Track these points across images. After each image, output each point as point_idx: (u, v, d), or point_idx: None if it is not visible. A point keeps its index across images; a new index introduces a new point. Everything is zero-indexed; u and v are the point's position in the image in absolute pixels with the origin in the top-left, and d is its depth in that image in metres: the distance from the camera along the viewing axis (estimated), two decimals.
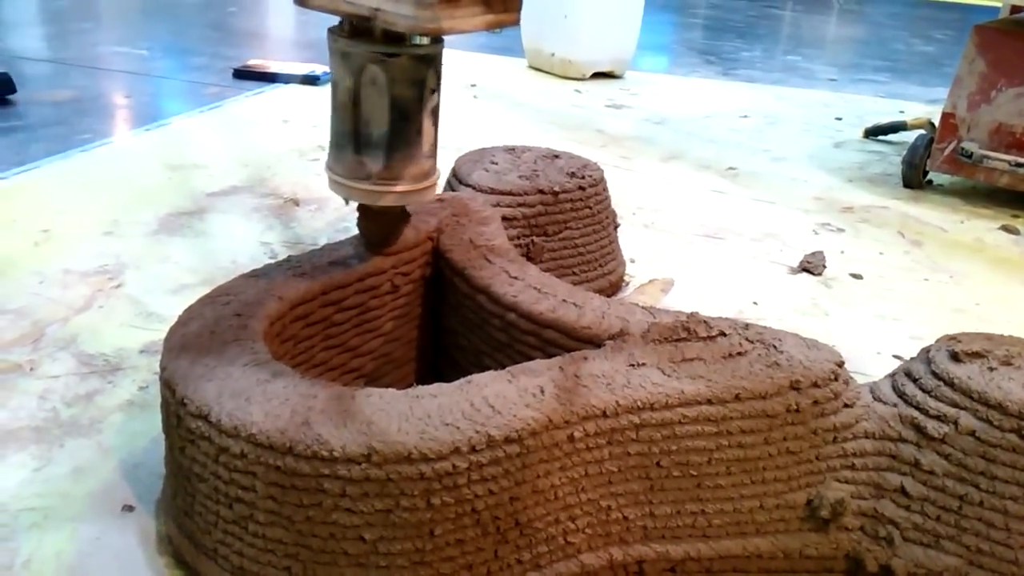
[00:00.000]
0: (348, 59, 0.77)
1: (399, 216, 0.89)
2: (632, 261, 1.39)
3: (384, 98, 0.78)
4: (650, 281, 1.35)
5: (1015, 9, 1.98)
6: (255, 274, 0.86)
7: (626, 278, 1.33)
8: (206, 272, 1.25)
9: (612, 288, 1.27)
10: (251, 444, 0.63)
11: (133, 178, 1.62)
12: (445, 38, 0.79)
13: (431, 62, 0.80)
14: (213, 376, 0.68)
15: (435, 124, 0.84)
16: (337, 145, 0.82)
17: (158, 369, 0.73)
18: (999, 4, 2.03)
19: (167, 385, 0.70)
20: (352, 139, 0.81)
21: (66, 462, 0.85)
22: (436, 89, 0.82)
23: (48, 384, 0.97)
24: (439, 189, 1.14)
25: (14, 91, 2.04)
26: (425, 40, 0.76)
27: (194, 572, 0.71)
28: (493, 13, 0.74)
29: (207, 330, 0.75)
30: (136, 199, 1.51)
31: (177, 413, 0.68)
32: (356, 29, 0.76)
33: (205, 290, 0.84)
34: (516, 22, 0.78)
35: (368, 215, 0.88)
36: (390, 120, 0.79)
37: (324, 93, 2.37)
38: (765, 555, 0.74)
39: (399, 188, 0.83)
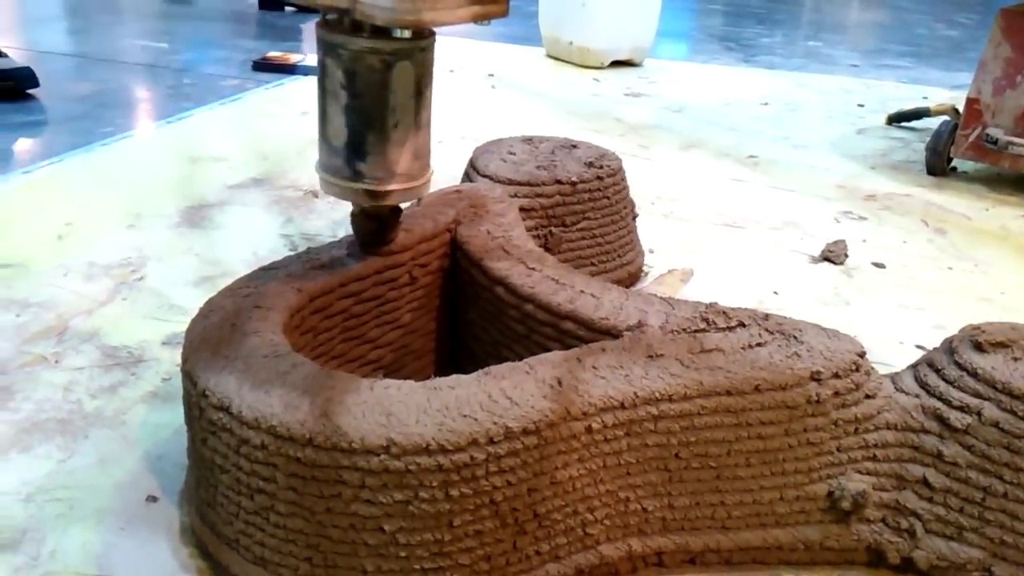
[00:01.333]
0: (341, 54, 0.75)
1: (393, 215, 0.87)
2: (651, 251, 1.38)
3: (379, 94, 0.76)
4: (669, 271, 1.34)
5: None
6: (274, 266, 0.87)
7: (645, 268, 1.33)
8: (227, 264, 1.26)
9: (631, 279, 1.27)
10: (271, 435, 0.64)
11: (155, 171, 1.64)
12: (450, 29, 0.78)
13: (425, 56, 0.78)
14: (234, 368, 0.69)
15: (428, 120, 0.81)
16: (329, 145, 0.80)
17: (180, 361, 0.74)
18: None
19: (188, 377, 0.71)
20: (347, 137, 0.78)
21: (91, 453, 0.86)
22: (429, 84, 0.80)
23: (73, 376, 0.98)
24: (456, 180, 1.14)
25: (37, 85, 2.07)
26: (407, 33, 0.73)
27: (216, 562, 0.72)
28: (479, 4, 0.72)
29: (227, 322, 0.76)
30: (158, 192, 1.53)
31: (199, 405, 0.69)
32: (347, 23, 0.74)
33: (226, 282, 0.84)
34: (504, 13, 0.75)
35: (361, 215, 0.86)
36: (385, 117, 0.77)
37: None
38: (785, 547, 0.74)
39: (393, 187, 0.80)
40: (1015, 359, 0.73)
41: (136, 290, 1.18)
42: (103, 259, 1.26)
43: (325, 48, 0.77)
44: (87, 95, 2.14)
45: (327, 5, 0.72)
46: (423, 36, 0.77)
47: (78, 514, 0.78)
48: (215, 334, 0.74)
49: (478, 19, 0.73)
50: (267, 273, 0.84)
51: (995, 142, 1.72)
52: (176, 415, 0.85)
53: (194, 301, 0.82)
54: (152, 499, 0.80)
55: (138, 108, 2.07)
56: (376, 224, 0.87)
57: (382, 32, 0.74)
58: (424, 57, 0.78)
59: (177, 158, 1.72)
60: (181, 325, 0.78)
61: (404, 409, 0.65)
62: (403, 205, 0.88)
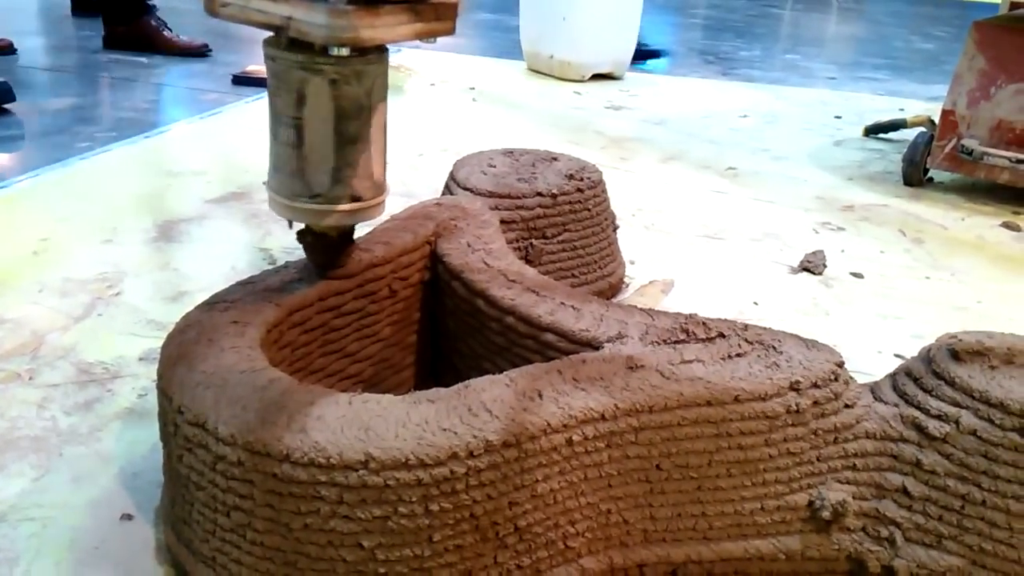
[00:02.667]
0: (289, 72, 0.73)
1: (342, 238, 0.84)
2: (632, 263, 1.39)
3: (330, 112, 0.74)
4: (650, 282, 1.34)
5: (1014, 5, 1.98)
6: (252, 280, 0.86)
7: (626, 280, 1.33)
8: (205, 279, 1.25)
9: (612, 290, 1.27)
10: (248, 452, 0.63)
11: (132, 186, 1.62)
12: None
13: (376, 73, 0.76)
14: (210, 384, 0.68)
15: (381, 140, 0.79)
16: (278, 164, 0.77)
17: (156, 377, 0.73)
18: (998, 0, 2.03)
19: (164, 393, 0.70)
20: (296, 157, 0.76)
21: (65, 471, 0.85)
22: (381, 102, 0.78)
23: (47, 393, 0.97)
24: (437, 193, 1.13)
25: (13, 99, 2.05)
26: (345, 51, 0.71)
27: None
28: (422, 22, 0.70)
29: (204, 337, 0.75)
30: (136, 206, 1.51)
31: (174, 421, 0.68)
32: (294, 40, 0.72)
33: (204, 297, 0.84)
34: (450, 31, 0.73)
35: (314, 236, 0.83)
36: (336, 135, 0.75)
37: None
38: (766, 557, 0.74)
39: (347, 207, 0.78)
40: (992, 367, 0.74)
41: (112, 305, 1.17)
42: (79, 274, 1.25)
43: (271, 64, 0.74)
44: (64, 109, 2.13)
45: (261, 22, 0.70)
46: (373, 53, 0.74)
47: (51, 533, 0.77)
48: (191, 349, 0.73)
49: (422, 36, 0.71)
50: (245, 287, 0.84)
51: (970, 153, 1.75)
52: (152, 432, 0.84)
53: (171, 316, 0.81)
54: (127, 517, 0.79)
55: (116, 122, 2.06)
56: (324, 246, 0.84)
57: (328, 49, 0.71)
58: (375, 74, 0.75)
59: (155, 172, 1.71)
60: (158, 340, 0.77)
61: (383, 423, 0.64)
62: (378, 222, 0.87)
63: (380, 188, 0.81)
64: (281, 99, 0.75)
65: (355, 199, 0.78)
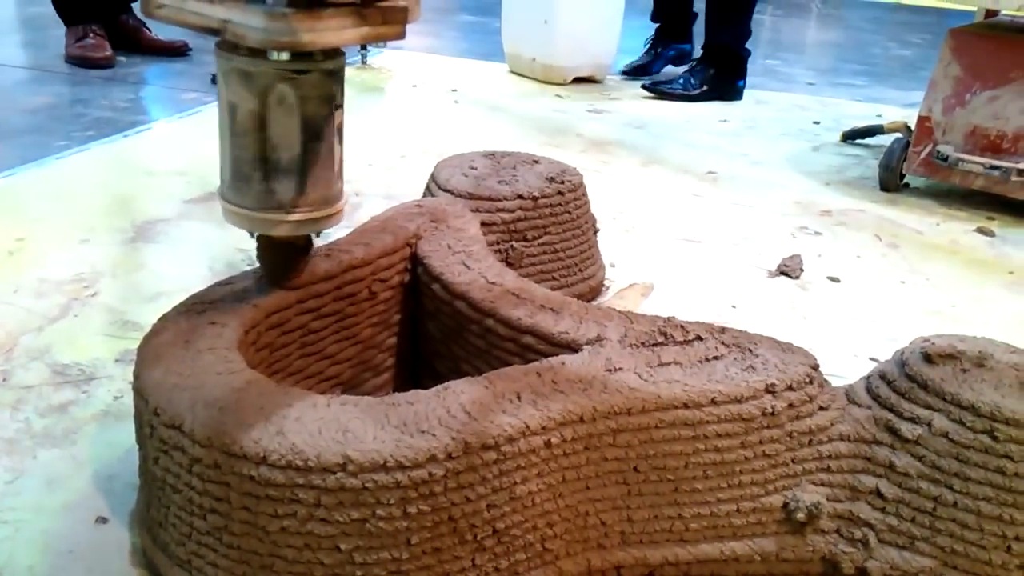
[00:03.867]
0: (250, 78, 0.70)
1: (295, 248, 0.82)
2: (612, 266, 1.39)
3: (294, 119, 0.71)
4: (630, 286, 1.35)
5: (989, 13, 2.01)
6: (230, 281, 0.85)
7: (606, 283, 1.34)
8: (183, 280, 1.24)
9: (592, 293, 1.28)
10: (224, 454, 0.62)
11: (110, 185, 1.61)
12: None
13: (338, 77, 0.74)
14: (187, 386, 0.68)
15: (336, 147, 0.77)
16: (238, 173, 0.74)
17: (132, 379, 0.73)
18: (973, 9, 2.06)
19: (140, 395, 0.70)
20: (259, 166, 0.73)
21: (39, 474, 0.84)
22: (341, 105, 0.76)
23: (21, 395, 0.95)
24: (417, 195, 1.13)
25: None
26: (284, 55, 0.68)
27: None
28: (369, 26, 0.68)
29: (181, 339, 0.74)
30: (113, 207, 1.50)
31: (150, 423, 0.68)
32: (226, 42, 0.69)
33: (182, 298, 0.83)
34: (399, 35, 0.71)
35: (271, 246, 0.80)
36: (302, 142, 0.72)
37: None
38: (742, 558, 0.75)
39: (299, 216, 0.75)
40: (964, 370, 0.75)
41: (89, 306, 1.16)
42: (55, 275, 1.24)
43: (240, 73, 0.71)
44: (41, 108, 2.10)
45: (198, 25, 0.68)
46: (327, 56, 0.72)
47: (25, 536, 0.76)
48: (168, 351, 0.73)
49: (368, 41, 0.69)
50: (223, 289, 0.83)
51: (945, 159, 1.77)
52: (128, 434, 0.83)
53: (148, 317, 0.81)
54: (102, 520, 0.78)
55: (93, 121, 2.04)
56: (277, 256, 0.82)
57: (268, 54, 0.69)
58: (329, 79, 0.73)
59: (133, 172, 1.69)
60: (135, 342, 0.77)
61: (361, 426, 0.64)
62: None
63: (335, 198, 0.78)
64: (228, 102, 0.72)
65: (308, 208, 0.75)
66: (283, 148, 0.73)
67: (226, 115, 0.74)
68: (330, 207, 0.77)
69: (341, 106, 0.76)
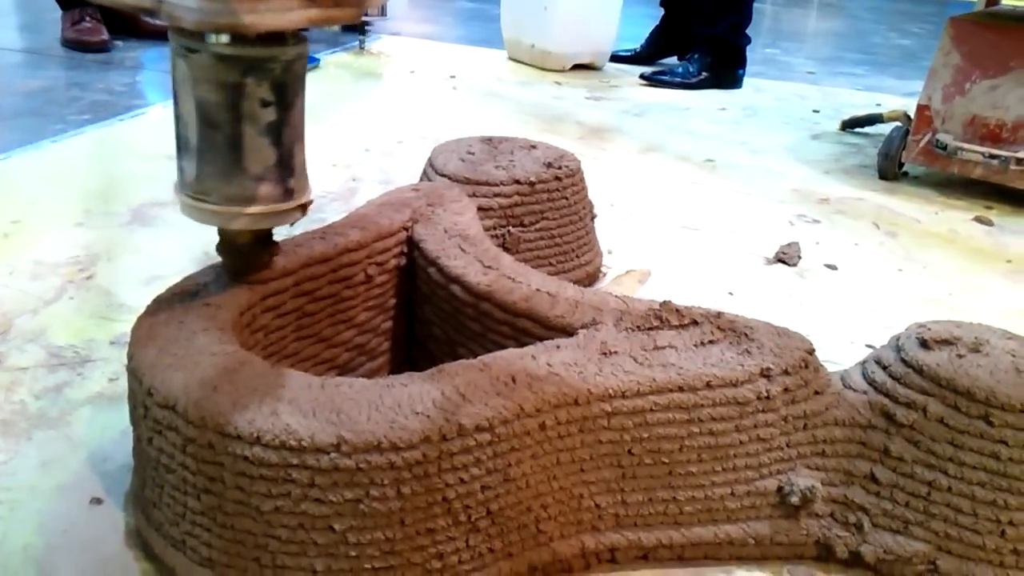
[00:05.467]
0: (189, 58, 0.66)
1: (258, 243, 0.78)
2: (610, 252, 1.39)
3: (234, 107, 0.67)
4: (627, 272, 1.35)
5: (989, 2, 2.00)
6: None
7: (603, 269, 1.33)
8: (178, 263, 1.23)
9: (589, 279, 1.27)
10: (218, 434, 0.62)
11: (107, 168, 1.60)
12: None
13: (292, 64, 0.68)
14: (181, 366, 0.68)
15: (298, 137, 0.72)
16: (184, 163, 0.72)
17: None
18: None
19: (134, 375, 0.70)
20: (202, 155, 0.70)
21: (34, 455, 0.84)
22: (298, 95, 0.70)
23: (16, 376, 0.95)
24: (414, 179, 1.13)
25: None
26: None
27: (163, 564, 0.70)
28: (319, 8, 0.62)
29: (175, 320, 0.74)
30: (109, 190, 1.49)
31: (144, 403, 0.68)
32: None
33: (177, 280, 0.83)
34: (353, 18, 0.66)
35: (230, 240, 0.77)
36: (241, 133, 0.68)
37: None
38: (736, 542, 0.75)
39: (258, 209, 0.71)
40: (959, 356, 0.75)
41: (84, 289, 1.15)
42: (51, 257, 1.23)
43: (174, 51, 0.67)
44: (37, 91, 2.09)
45: (131, 4, 0.64)
46: (286, 41, 0.67)
47: (19, 517, 0.76)
48: (162, 332, 0.72)
49: (318, 24, 0.64)
50: (217, 270, 0.83)
51: (945, 148, 1.77)
52: (123, 416, 0.83)
53: (144, 300, 0.80)
54: (97, 501, 0.78)
55: (91, 105, 2.03)
56: (237, 251, 0.78)
57: (239, 37, 0.64)
58: (290, 65, 0.68)
59: (130, 155, 1.68)
60: (130, 324, 0.76)
61: (355, 407, 0.64)
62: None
63: (297, 190, 0.74)
64: (184, 89, 0.68)
65: (267, 201, 0.72)
66: (233, 139, 0.68)
67: (175, 101, 0.70)
68: (288, 201, 0.73)
69: (300, 94, 0.70)
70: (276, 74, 0.68)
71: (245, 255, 0.79)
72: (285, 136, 0.71)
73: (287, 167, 0.72)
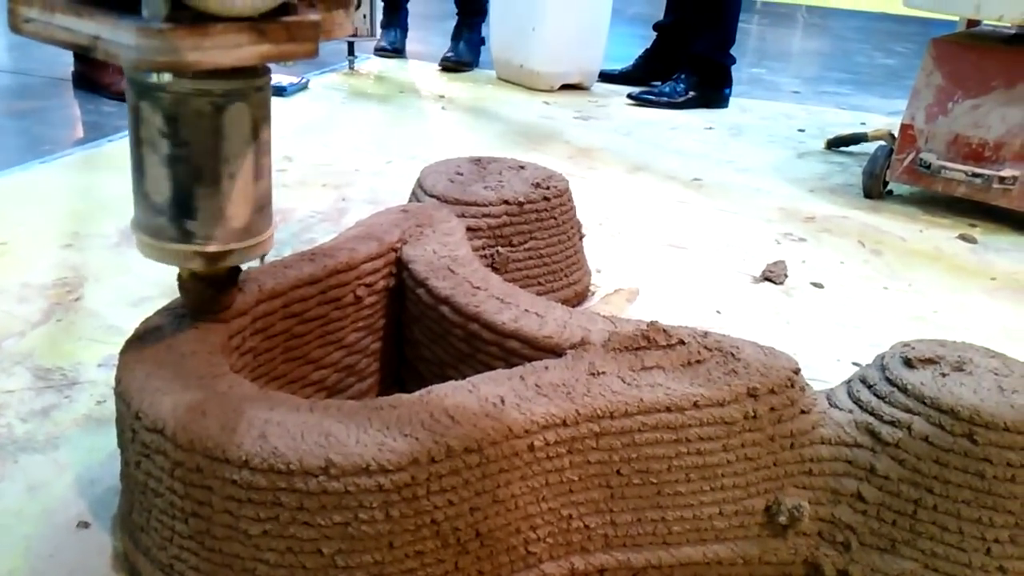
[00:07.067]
0: (159, 97, 0.65)
1: (229, 277, 0.77)
2: (598, 271, 1.40)
3: (210, 142, 0.66)
4: (615, 291, 1.35)
5: (971, 23, 2.03)
6: None
7: (592, 288, 1.34)
8: (167, 285, 1.23)
9: (578, 298, 1.28)
10: (206, 458, 0.62)
11: (95, 190, 1.60)
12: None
13: (262, 96, 0.67)
14: (169, 389, 0.68)
15: (268, 167, 0.71)
16: (147, 201, 0.69)
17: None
18: (956, 18, 2.08)
19: (122, 398, 0.69)
20: (159, 193, 0.68)
21: (20, 479, 0.83)
22: (267, 126, 0.69)
23: (3, 399, 0.95)
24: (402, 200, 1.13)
25: None
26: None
27: None
28: (271, 43, 0.60)
29: (164, 342, 0.74)
30: (97, 211, 1.49)
31: (132, 427, 0.68)
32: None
33: (165, 303, 0.83)
34: (311, 54, 0.63)
35: (191, 280, 0.76)
36: (217, 168, 0.67)
37: (290, 105, 2.37)
38: (725, 561, 0.75)
39: (232, 246, 0.70)
40: (943, 375, 0.76)
41: (72, 311, 1.15)
42: (38, 279, 1.23)
43: (139, 90, 0.65)
44: (25, 112, 2.09)
45: (67, 42, 0.61)
46: (258, 74, 0.66)
47: (6, 541, 0.75)
48: (150, 354, 0.72)
49: (270, 60, 0.62)
50: None
51: (928, 166, 1.79)
52: (111, 439, 0.82)
53: (132, 322, 0.80)
54: (84, 525, 0.78)
55: (78, 126, 2.03)
56: (210, 289, 0.76)
57: (213, 72, 0.62)
58: (261, 97, 0.67)
59: (118, 177, 1.68)
60: (118, 347, 0.76)
61: (343, 429, 0.64)
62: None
63: (268, 221, 0.73)
64: (150, 127, 0.66)
65: (244, 235, 0.70)
66: (208, 175, 0.67)
67: (137, 140, 0.68)
68: (261, 235, 0.72)
69: (264, 126, 0.69)
70: (268, 98, 0.68)
71: (187, 290, 0.76)
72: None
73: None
